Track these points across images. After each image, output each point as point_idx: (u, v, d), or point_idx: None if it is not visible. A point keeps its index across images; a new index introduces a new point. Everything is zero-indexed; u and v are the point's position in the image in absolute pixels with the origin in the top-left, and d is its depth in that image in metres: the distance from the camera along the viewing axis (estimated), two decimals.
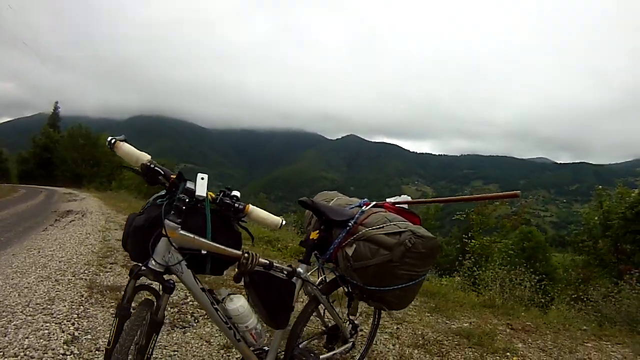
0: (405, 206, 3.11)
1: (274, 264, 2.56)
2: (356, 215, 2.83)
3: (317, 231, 2.84)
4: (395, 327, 5.01)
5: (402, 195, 3.23)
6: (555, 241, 46.72)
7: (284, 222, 2.61)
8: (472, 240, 11.42)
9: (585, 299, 7.35)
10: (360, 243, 2.66)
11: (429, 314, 5.72)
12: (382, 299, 2.71)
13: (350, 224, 2.78)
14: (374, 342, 4.27)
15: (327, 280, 3.04)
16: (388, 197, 3.23)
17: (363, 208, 2.96)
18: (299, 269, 2.71)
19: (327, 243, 2.81)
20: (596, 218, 16.12)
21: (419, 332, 4.89)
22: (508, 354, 4.45)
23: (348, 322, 3.23)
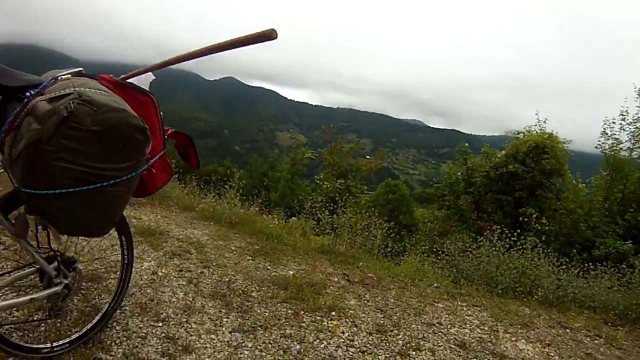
0: (146, 86, 1.98)
1: None
2: (43, 84, 1.72)
3: None
4: (199, 272, 3.92)
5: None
6: (421, 197, 49.43)
7: None
8: (325, 183, 10.77)
9: (441, 252, 6.80)
10: (25, 119, 1.57)
11: (250, 258, 4.69)
12: (43, 212, 1.69)
13: (29, 92, 1.66)
14: (158, 287, 3.36)
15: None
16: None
17: (59, 75, 1.83)
18: None
19: None
20: (459, 174, 16.39)
21: (227, 279, 3.86)
22: (333, 313, 3.56)
23: (52, 254, 2.20)
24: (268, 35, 1.75)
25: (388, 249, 6.48)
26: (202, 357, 2.59)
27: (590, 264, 5.75)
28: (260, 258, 4.74)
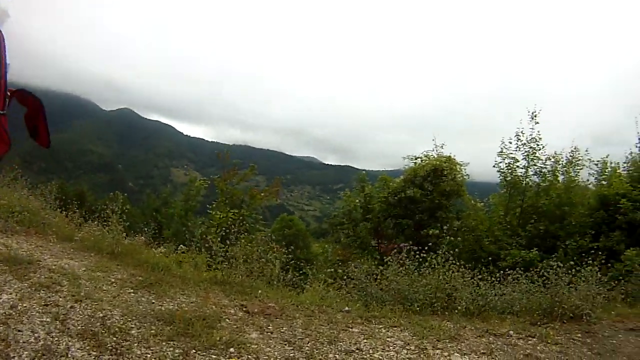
0: None
1: None
2: None
3: None
4: (68, 306, 3.32)
5: None
6: (316, 232, 49.80)
7: None
8: (218, 212, 10.31)
9: (346, 277, 6.50)
10: None
11: (131, 290, 4.12)
12: None
13: None
14: (15, 323, 2.81)
15: None
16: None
17: None
18: None
19: None
20: (357, 202, 16.46)
21: (101, 315, 3.29)
22: (232, 349, 3.12)
23: None
24: None
25: (288, 277, 6.09)
26: None
27: (502, 272, 5.86)
28: (143, 290, 4.19)
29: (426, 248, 5.64)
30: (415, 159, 15.44)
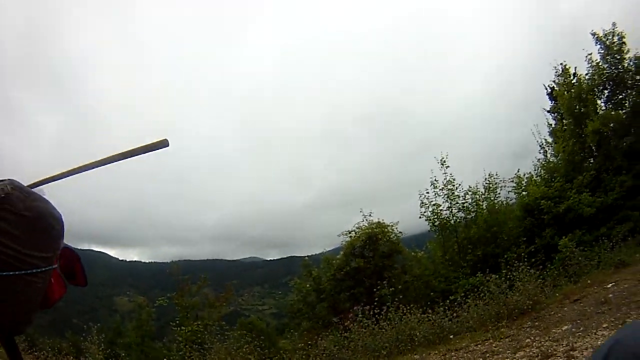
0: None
1: None
2: None
3: None
4: None
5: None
6: (278, 329, 48.69)
7: None
8: (182, 327, 10.53)
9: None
10: None
11: None
12: None
13: None
14: None
15: None
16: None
17: None
18: None
19: None
20: (308, 285, 16.85)
21: None
22: None
23: None
24: (161, 144, 2.04)
25: None
26: None
27: (454, 302, 7.00)
28: None
29: (377, 304, 6.41)
30: (350, 232, 16.42)
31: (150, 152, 2.15)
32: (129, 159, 2.15)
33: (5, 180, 1.68)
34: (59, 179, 2.17)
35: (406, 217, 17.51)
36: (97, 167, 2.13)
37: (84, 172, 2.15)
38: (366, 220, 16.21)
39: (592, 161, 16.74)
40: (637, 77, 16.24)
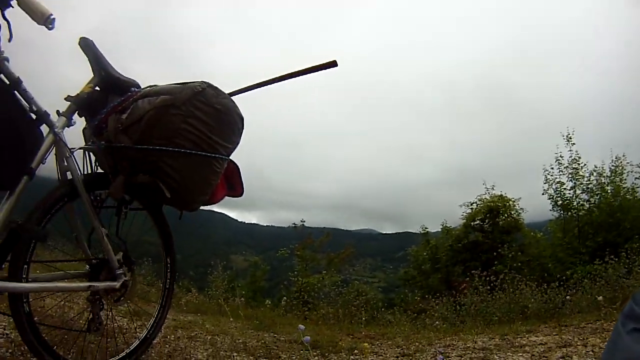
0: None
1: None
2: (142, 88, 2.14)
3: (91, 85, 2.08)
4: (209, 337, 4.08)
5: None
6: (384, 304, 49.51)
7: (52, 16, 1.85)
8: (299, 278, 11.15)
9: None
10: (139, 102, 1.98)
11: (252, 331, 4.90)
12: (156, 168, 1.94)
13: (134, 89, 2.11)
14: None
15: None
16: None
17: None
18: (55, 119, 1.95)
19: (98, 106, 2.05)
20: (425, 254, 16.99)
21: (240, 341, 4.05)
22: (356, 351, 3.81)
23: (119, 242, 2.30)
24: (331, 64, 2.36)
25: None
26: None
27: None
28: (263, 332, 4.86)
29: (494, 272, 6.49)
30: (471, 204, 16.06)
31: (321, 72, 2.42)
32: (301, 76, 2.44)
33: (198, 81, 2.07)
34: (244, 92, 2.46)
35: (529, 201, 16.66)
36: (277, 82, 2.42)
37: (265, 87, 2.45)
38: (488, 193, 16.00)
39: None
40: None
